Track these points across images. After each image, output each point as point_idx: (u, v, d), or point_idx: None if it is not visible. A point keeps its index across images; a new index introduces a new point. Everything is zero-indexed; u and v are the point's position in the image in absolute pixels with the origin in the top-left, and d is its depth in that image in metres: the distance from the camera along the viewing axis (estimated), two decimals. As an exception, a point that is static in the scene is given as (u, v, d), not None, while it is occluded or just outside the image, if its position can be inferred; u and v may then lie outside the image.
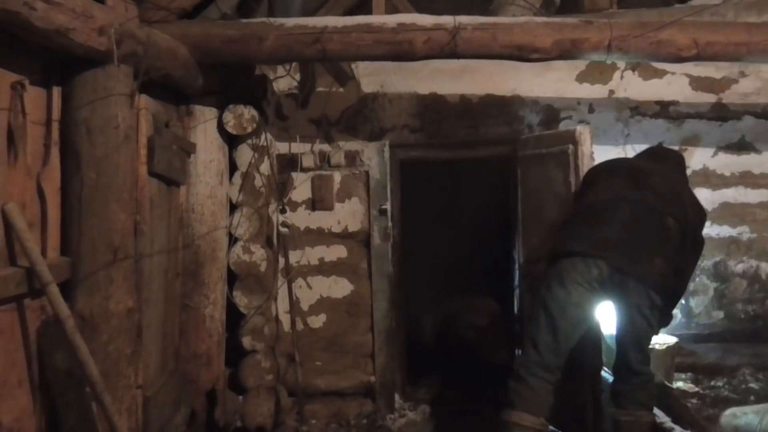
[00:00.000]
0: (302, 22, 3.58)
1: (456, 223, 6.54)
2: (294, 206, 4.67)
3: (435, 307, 5.82)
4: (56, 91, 2.66)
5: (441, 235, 6.48)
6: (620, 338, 3.42)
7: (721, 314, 4.84)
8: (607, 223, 3.30)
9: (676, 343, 4.30)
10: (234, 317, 4.19)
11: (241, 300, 4.19)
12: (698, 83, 4.78)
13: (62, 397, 2.55)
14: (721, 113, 4.80)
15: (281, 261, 4.55)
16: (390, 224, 4.69)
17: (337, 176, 4.71)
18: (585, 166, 3.87)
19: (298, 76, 4.65)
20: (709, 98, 4.79)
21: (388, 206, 4.67)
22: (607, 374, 3.72)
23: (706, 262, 4.76)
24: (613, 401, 3.49)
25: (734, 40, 3.70)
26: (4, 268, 2.31)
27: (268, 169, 4.34)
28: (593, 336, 3.52)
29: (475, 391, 4.77)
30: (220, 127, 4.07)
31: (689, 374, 4.61)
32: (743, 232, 4.84)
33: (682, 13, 3.88)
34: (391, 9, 4.14)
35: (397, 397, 4.74)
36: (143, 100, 3.10)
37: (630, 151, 4.67)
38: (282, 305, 4.57)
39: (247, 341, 4.20)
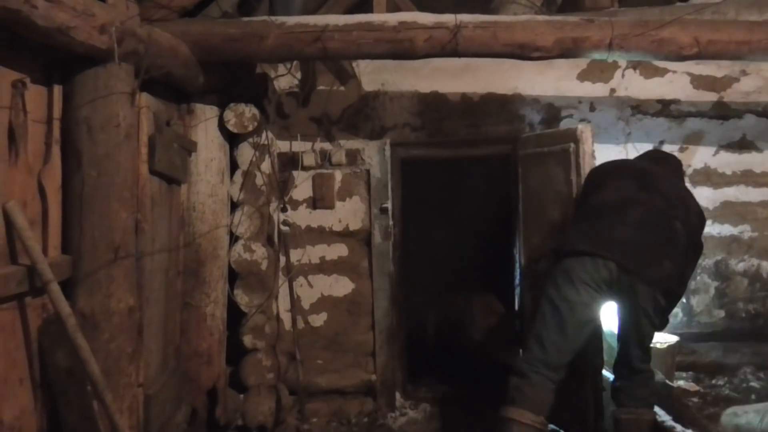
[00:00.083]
0: (303, 20, 3.58)
1: (457, 221, 6.54)
2: (295, 205, 4.67)
3: (436, 305, 5.81)
4: (57, 90, 2.66)
5: (442, 233, 6.49)
6: (623, 338, 3.42)
7: (722, 313, 4.84)
8: (616, 224, 3.29)
9: (677, 341, 4.30)
10: (235, 316, 4.19)
11: (242, 298, 4.19)
12: (699, 82, 4.78)
13: (63, 396, 2.55)
14: (722, 112, 4.80)
15: (282, 259, 4.55)
16: (391, 223, 4.69)
17: (338, 175, 4.71)
18: (586, 165, 3.86)
19: (299, 75, 4.66)
20: (711, 97, 4.79)
21: (389, 205, 4.67)
22: (608, 373, 3.73)
23: (707, 261, 4.76)
24: (613, 399, 3.50)
25: (735, 38, 3.69)
26: (5, 266, 2.31)
27: (269, 168, 4.34)
28: (594, 334, 3.52)
29: (475, 390, 4.77)
30: (221, 126, 4.08)
31: (690, 373, 4.62)
32: (744, 230, 4.84)
33: (683, 12, 3.87)
34: (392, 7, 4.14)
35: (398, 395, 4.75)
36: (144, 98, 3.10)
37: (631, 149, 4.67)
38: (283, 304, 4.57)
39: (248, 340, 4.20)
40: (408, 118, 4.76)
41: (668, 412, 3.62)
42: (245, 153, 4.25)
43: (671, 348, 4.23)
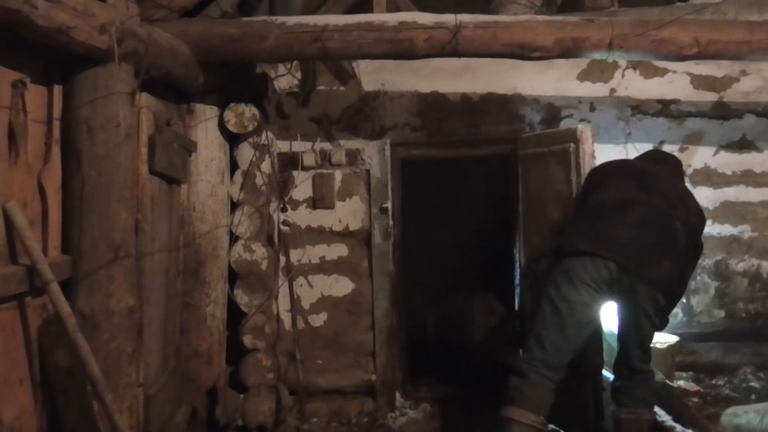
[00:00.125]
0: (303, 20, 3.58)
1: (457, 221, 6.54)
2: (295, 205, 4.67)
3: (436, 305, 5.81)
4: (57, 90, 2.66)
5: (442, 233, 6.49)
6: (623, 338, 3.42)
7: (722, 313, 4.84)
8: (617, 224, 3.29)
9: (677, 341, 4.30)
10: (235, 316, 4.19)
11: (242, 298, 4.19)
12: (699, 82, 4.78)
13: (63, 396, 2.55)
14: (722, 112, 4.80)
15: (282, 259, 4.55)
16: (391, 223, 4.69)
17: (338, 175, 4.71)
18: (586, 165, 3.86)
19: (299, 75, 4.66)
20: (711, 97, 4.79)
21: (389, 205, 4.67)
22: (608, 373, 3.73)
23: (707, 261, 4.76)
24: (613, 399, 3.50)
25: (735, 38, 3.69)
26: (5, 266, 2.31)
27: (269, 168, 4.34)
28: (594, 334, 3.52)
29: (475, 390, 4.77)
30: (221, 126, 4.08)
31: (690, 373, 4.62)
32: (744, 230, 4.84)
33: (683, 12, 3.87)
34: (392, 7, 4.14)
35: (398, 395, 4.75)
36: (144, 98, 3.10)
37: (631, 149, 4.67)
38: (283, 304, 4.57)
39: (248, 340, 4.20)
40: (408, 118, 4.76)
41: (668, 412, 3.62)
42: (245, 153, 4.25)
43: (671, 348, 4.23)
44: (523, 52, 3.64)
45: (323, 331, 4.70)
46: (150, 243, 3.25)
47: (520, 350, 4.64)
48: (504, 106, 4.76)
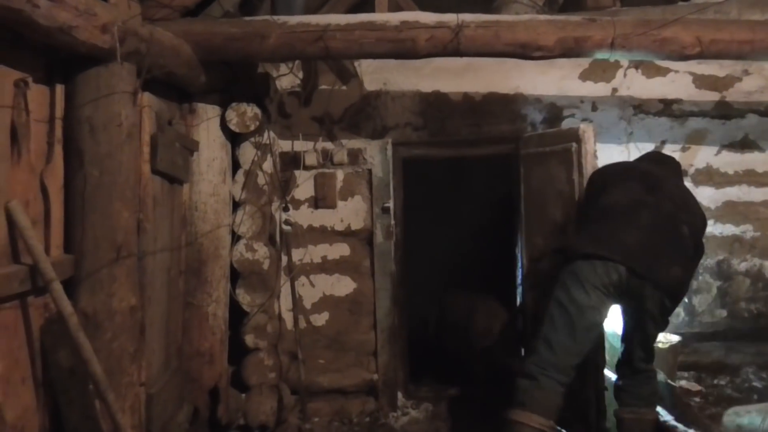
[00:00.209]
0: (305, 19, 3.58)
1: (458, 221, 6.53)
2: (297, 204, 4.67)
3: (438, 305, 5.79)
4: (59, 89, 2.66)
5: (444, 233, 6.48)
6: (627, 339, 3.43)
7: (724, 313, 4.83)
8: (626, 227, 3.28)
9: (680, 341, 4.29)
10: (237, 315, 4.19)
11: (243, 298, 4.19)
12: (702, 81, 4.77)
13: (65, 395, 2.56)
14: (724, 111, 4.80)
15: (284, 259, 4.55)
16: (393, 222, 4.69)
17: (340, 174, 4.71)
18: (588, 165, 3.86)
19: (300, 74, 4.65)
20: (713, 96, 4.79)
21: (390, 204, 4.67)
22: (609, 373, 3.73)
23: (709, 261, 4.76)
24: (616, 398, 3.50)
25: (738, 37, 3.69)
26: (7, 265, 2.31)
27: (270, 167, 4.34)
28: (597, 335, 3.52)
29: (477, 390, 4.77)
30: (223, 125, 4.07)
31: (692, 373, 4.62)
32: (747, 230, 4.84)
33: (685, 11, 3.87)
34: (394, 7, 4.13)
35: (399, 395, 4.74)
36: (146, 97, 3.11)
37: (633, 149, 4.68)
38: (285, 303, 4.57)
39: (250, 339, 4.21)
40: (410, 117, 4.76)
41: (670, 411, 3.63)
42: (247, 152, 4.25)
43: (673, 348, 4.23)
44: (525, 52, 3.63)
45: (325, 330, 4.70)
46: (152, 242, 3.26)
47: (522, 350, 4.67)
48: (506, 105, 4.75)
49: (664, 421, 3.50)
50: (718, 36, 3.67)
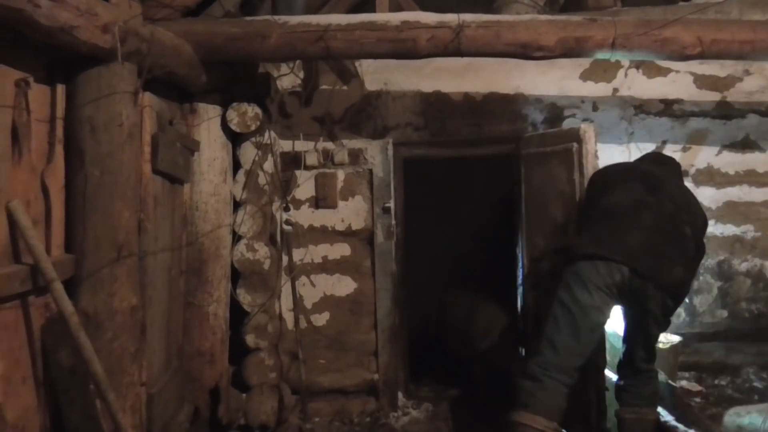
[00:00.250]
0: (306, 19, 3.58)
1: (459, 221, 6.53)
2: (297, 204, 4.67)
3: (438, 306, 5.77)
4: (60, 89, 2.66)
5: (444, 233, 6.48)
6: (629, 339, 3.42)
7: (725, 313, 4.83)
8: (629, 228, 3.28)
9: (680, 341, 4.29)
10: (237, 315, 4.19)
11: (244, 298, 4.20)
12: (702, 81, 4.77)
13: (66, 395, 2.56)
14: (725, 111, 4.79)
15: (285, 259, 4.55)
16: (393, 222, 4.69)
17: (341, 174, 4.71)
18: (589, 165, 3.86)
19: (301, 74, 4.65)
20: (714, 96, 4.78)
21: (391, 204, 4.67)
22: (610, 373, 3.73)
23: (710, 261, 4.75)
24: (617, 398, 3.50)
25: (739, 37, 3.69)
26: (8, 265, 2.32)
27: (271, 167, 4.34)
28: (599, 335, 3.52)
29: (477, 390, 4.77)
30: (224, 125, 4.08)
31: (693, 373, 4.62)
32: (747, 230, 4.83)
33: (686, 11, 3.87)
34: (395, 7, 4.13)
35: (400, 395, 4.74)
36: (147, 97, 3.11)
37: (634, 149, 4.68)
38: (285, 303, 4.57)
39: (250, 339, 4.21)
40: (411, 117, 4.76)
41: (671, 412, 3.63)
42: (248, 152, 4.25)
43: (674, 348, 4.22)
44: (525, 52, 3.63)
45: (326, 330, 4.70)
46: (153, 242, 3.26)
47: (523, 350, 4.67)
48: (507, 105, 4.75)
49: (665, 422, 3.50)
50: (719, 36, 3.67)
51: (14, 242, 2.34)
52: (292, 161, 4.63)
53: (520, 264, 4.73)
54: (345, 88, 4.71)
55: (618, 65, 4.74)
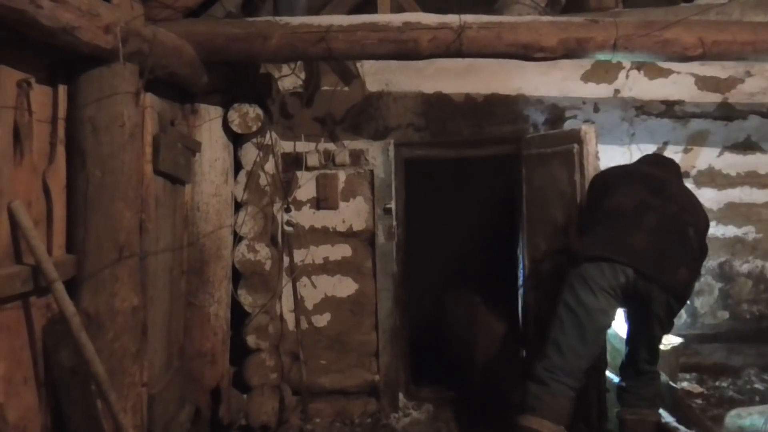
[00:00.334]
0: (307, 20, 3.58)
1: (460, 222, 6.53)
2: (299, 205, 4.67)
3: (438, 307, 5.77)
4: (62, 90, 2.67)
5: (445, 233, 6.47)
6: (632, 341, 3.42)
7: (726, 314, 4.83)
8: (633, 229, 3.27)
9: (681, 343, 4.29)
10: (238, 316, 4.19)
11: (245, 298, 4.20)
12: (704, 83, 4.77)
13: (67, 395, 2.56)
14: (726, 113, 4.79)
15: (286, 260, 4.55)
16: (394, 223, 4.69)
17: (342, 175, 4.71)
18: (590, 166, 3.86)
19: (303, 75, 4.65)
20: (715, 98, 4.78)
21: (392, 205, 4.67)
22: (611, 374, 3.72)
23: (711, 262, 4.75)
24: (619, 399, 3.49)
25: (740, 39, 3.68)
26: (10, 266, 2.32)
27: (272, 168, 4.34)
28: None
29: (476, 393, 4.76)
30: (225, 126, 4.08)
31: (694, 374, 4.61)
32: (749, 232, 4.83)
33: (687, 12, 3.87)
34: (397, 8, 4.14)
35: (401, 396, 4.74)
36: (149, 98, 3.11)
37: (635, 150, 4.68)
38: (286, 304, 4.58)
39: (251, 340, 4.21)
40: (412, 118, 4.76)
41: (672, 413, 3.62)
42: (249, 153, 4.25)
43: (675, 349, 4.22)
44: (527, 53, 3.63)
45: (326, 331, 4.70)
46: (154, 242, 3.26)
47: (524, 351, 4.67)
48: (508, 106, 4.75)
49: (666, 423, 3.49)
50: (720, 37, 3.67)
51: (16, 243, 2.34)
52: (294, 162, 4.63)
53: (520, 265, 4.73)
54: (346, 88, 4.71)
55: (619, 66, 4.74)
